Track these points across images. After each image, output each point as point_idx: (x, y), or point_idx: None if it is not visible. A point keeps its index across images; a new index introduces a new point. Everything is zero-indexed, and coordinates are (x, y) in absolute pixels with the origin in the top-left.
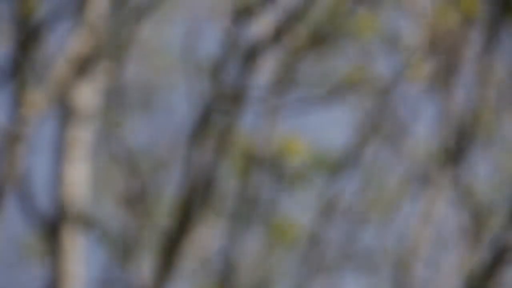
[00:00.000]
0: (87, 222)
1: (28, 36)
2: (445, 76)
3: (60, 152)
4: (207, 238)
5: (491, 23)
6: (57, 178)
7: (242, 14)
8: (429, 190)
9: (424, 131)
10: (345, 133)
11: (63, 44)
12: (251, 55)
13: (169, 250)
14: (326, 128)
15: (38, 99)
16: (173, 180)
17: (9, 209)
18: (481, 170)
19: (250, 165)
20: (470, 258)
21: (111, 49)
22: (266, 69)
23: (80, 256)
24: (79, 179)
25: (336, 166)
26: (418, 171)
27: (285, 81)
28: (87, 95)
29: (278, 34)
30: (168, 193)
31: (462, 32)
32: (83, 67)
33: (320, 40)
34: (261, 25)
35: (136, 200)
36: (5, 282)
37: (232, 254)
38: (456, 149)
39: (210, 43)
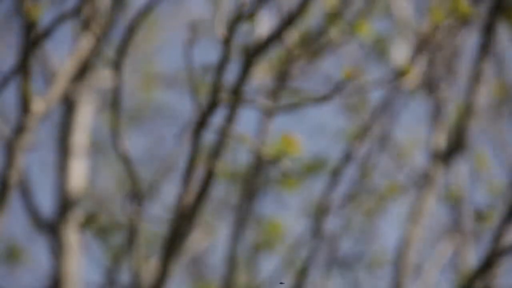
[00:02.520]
0: (87, 222)
1: (31, 40)
2: (437, 78)
3: (61, 153)
4: (207, 238)
5: (485, 25)
6: (58, 178)
7: (240, 18)
8: (420, 190)
9: (416, 132)
10: (338, 135)
11: (66, 48)
12: (248, 58)
13: (169, 250)
14: (321, 129)
15: (40, 102)
16: (173, 181)
17: (10, 209)
18: (472, 171)
19: (248, 166)
20: (461, 258)
21: (111, 54)
22: (263, 71)
23: (80, 256)
24: (80, 179)
25: (330, 168)
26: (410, 172)
27: (281, 83)
28: (89, 98)
29: (274, 37)
30: (167, 194)
31: (455, 35)
32: (84, 71)
33: (315, 43)
34: (259, 29)
35: (136, 201)
36: (6, 282)
37: (232, 254)
38: (448, 151)
39: (209, 47)
